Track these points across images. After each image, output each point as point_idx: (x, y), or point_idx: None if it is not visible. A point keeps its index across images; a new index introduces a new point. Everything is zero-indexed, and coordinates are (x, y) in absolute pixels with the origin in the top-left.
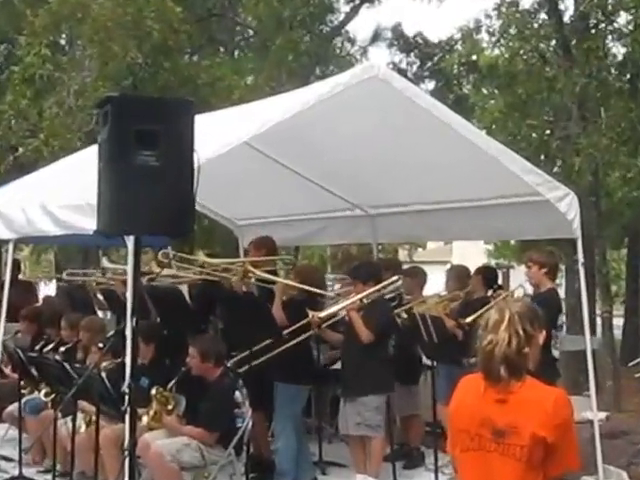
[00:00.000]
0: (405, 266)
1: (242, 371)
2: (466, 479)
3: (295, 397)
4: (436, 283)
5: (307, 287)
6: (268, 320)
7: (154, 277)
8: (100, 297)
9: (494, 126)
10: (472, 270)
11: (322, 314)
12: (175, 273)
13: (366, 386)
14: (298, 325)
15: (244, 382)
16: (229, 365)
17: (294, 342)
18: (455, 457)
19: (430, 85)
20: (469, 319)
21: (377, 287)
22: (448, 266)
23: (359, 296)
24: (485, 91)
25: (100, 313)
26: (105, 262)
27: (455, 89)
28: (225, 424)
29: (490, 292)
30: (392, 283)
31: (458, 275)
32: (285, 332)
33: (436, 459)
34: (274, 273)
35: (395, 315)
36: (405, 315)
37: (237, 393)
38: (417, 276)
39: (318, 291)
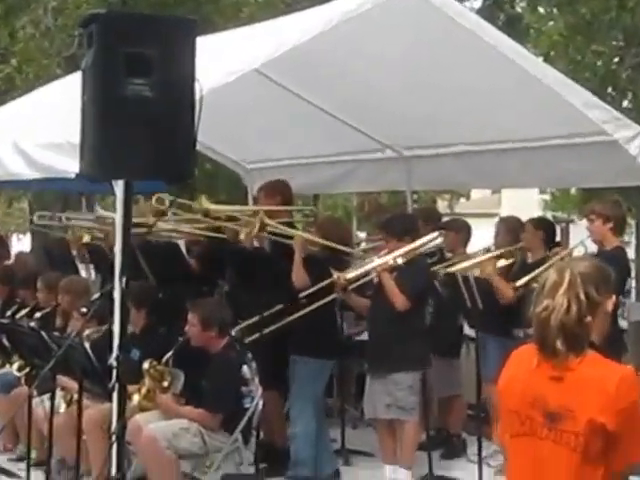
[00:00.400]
0: (445, 219)
1: (251, 341)
2: (513, 470)
3: (316, 373)
4: (482, 239)
5: (331, 243)
6: (284, 282)
7: (148, 230)
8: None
9: (552, 52)
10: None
11: (349, 275)
12: (172, 227)
13: (398, 361)
14: (319, 286)
15: (254, 355)
16: (235, 334)
17: (314, 307)
18: (505, 444)
19: (476, 3)
20: (521, 281)
21: (414, 244)
22: (497, 219)
23: (393, 255)
24: (542, 10)
25: (83, 272)
26: (99, 209)
27: (506, 7)
28: (230, 404)
29: (548, 252)
30: (432, 240)
31: (509, 228)
32: (302, 295)
33: (480, 448)
34: (291, 226)
35: (433, 276)
36: (443, 274)
37: (245, 368)
38: (460, 230)
39: (344, 248)
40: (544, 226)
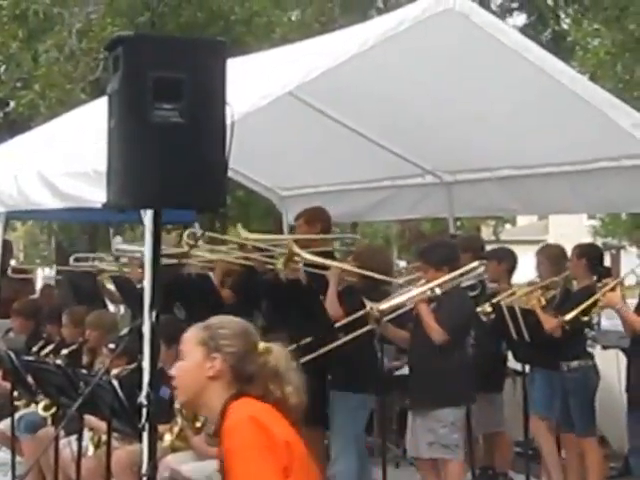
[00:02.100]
0: (489, 247)
1: None
2: None
3: (356, 409)
4: (528, 268)
5: (370, 273)
6: (319, 315)
7: (178, 262)
8: (111, 287)
9: (600, 70)
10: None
11: (382, 305)
12: (205, 256)
13: (440, 397)
14: (352, 318)
15: None
16: None
17: (347, 339)
18: None
19: (520, 19)
20: (569, 316)
21: (453, 274)
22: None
23: (430, 285)
24: (589, 27)
25: (111, 307)
26: (118, 242)
27: (551, 24)
28: None
29: (595, 278)
30: (472, 270)
31: (551, 257)
32: (337, 326)
33: None
34: (330, 255)
35: (475, 309)
36: (489, 309)
37: None
38: (504, 260)
39: (383, 278)
40: (587, 253)
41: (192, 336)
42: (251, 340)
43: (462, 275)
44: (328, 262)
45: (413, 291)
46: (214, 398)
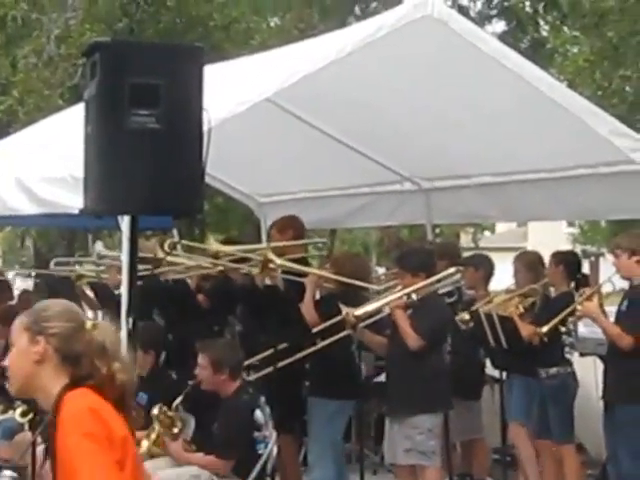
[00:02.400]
0: (467, 254)
1: (265, 384)
2: None
3: (334, 415)
4: (507, 275)
5: (346, 279)
6: (297, 321)
7: (156, 267)
8: (89, 293)
9: (578, 78)
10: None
11: (358, 311)
12: (181, 261)
13: (416, 403)
14: (328, 324)
15: (268, 398)
16: (248, 377)
17: (323, 344)
18: None
19: (498, 26)
20: (546, 328)
21: (429, 280)
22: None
23: (406, 290)
24: (567, 33)
25: (89, 313)
26: (100, 247)
27: (530, 31)
28: (242, 450)
29: (572, 285)
30: (449, 276)
31: (528, 264)
32: (313, 332)
33: None
34: (304, 262)
35: (452, 316)
36: (467, 317)
37: (258, 412)
38: (481, 266)
39: (360, 284)
40: (564, 260)
41: (18, 323)
42: (75, 319)
43: (439, 281)
44: (305, 269)
45: (389, 297)
46: (46, 382)
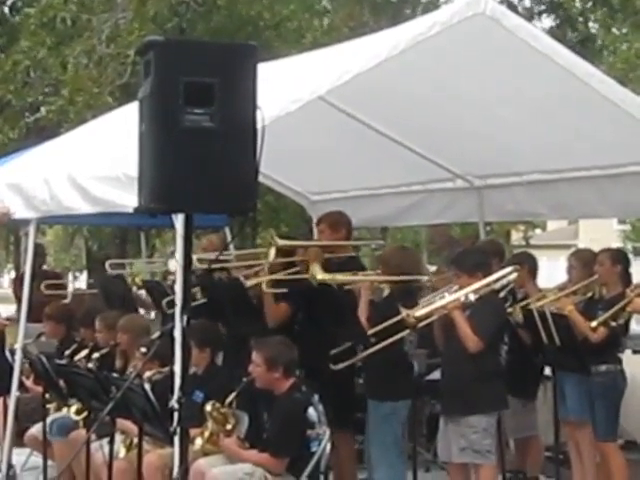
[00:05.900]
0: (517, 251)
1: (320, 383)
2: None
3: (390, 417)
4: (559, 272)
5: (398, 277)
6: (352, 319)
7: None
8: (141, 292)
9: (630, 74)
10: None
11: (418, 312)
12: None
13: (473, 403)
14: (386, 324)
15: (322, 396)
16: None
17: (382, 346)
18: None
19: (547, 22)
20: (594, 323)
21: (487, 280)
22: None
23: (465, 290)
24: (617, 30)
25: (141, 312)
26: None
27: (579, 27)
28: (295, 448)
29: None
30: (506, 275)
31: (583, 262)
32: (370, 333)
33: None
34: (356, 260)
35: (508, 315)
36: (521, 315)
37: (311, 410)
38: (524, 264)
39: (410, 278)
40: (622, 260)
41: None
42: None
43: (496, 281)
44: (352, 278)
45: (448, 297)
46: None
